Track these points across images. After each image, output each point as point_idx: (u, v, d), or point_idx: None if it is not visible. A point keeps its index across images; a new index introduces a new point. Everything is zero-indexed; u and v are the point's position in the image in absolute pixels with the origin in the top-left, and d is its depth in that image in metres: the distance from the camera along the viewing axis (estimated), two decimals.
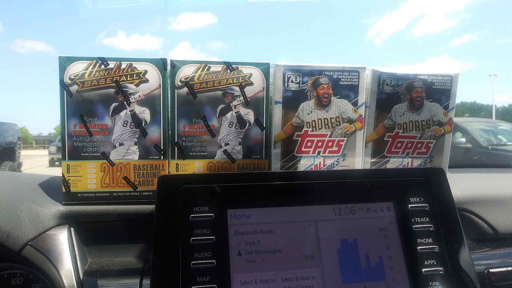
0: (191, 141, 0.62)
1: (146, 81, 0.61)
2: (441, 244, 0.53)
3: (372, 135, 0.68)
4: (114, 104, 0.60)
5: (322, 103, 0.64)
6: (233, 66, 0.62)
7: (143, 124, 0.61)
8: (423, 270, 0.51)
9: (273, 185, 0.53)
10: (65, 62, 0.59)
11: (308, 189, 0.54)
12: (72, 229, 0.59)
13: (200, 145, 0.62)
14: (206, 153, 0.63)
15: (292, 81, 0.63)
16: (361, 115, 0.66)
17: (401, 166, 0.69)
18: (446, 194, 0.57)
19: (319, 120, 0.64)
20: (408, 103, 0.68)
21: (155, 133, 0.62)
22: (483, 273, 0.62)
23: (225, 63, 0.62)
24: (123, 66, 0.60)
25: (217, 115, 0.62)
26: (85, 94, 0.59)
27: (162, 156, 0.62)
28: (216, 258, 0.48)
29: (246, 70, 0.62)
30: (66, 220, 0.59)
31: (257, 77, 0.63)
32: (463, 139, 4.59)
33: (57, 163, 10.31)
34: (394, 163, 0.69)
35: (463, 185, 0.75)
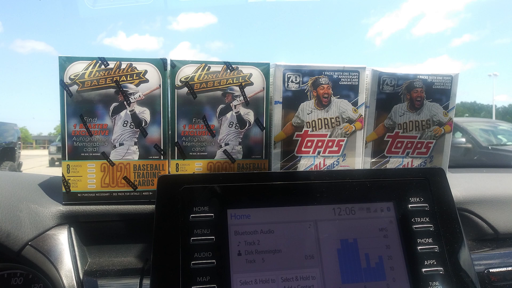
0: (191, 141, 0.62)
1: (146, 81, 0.61)
2: (441, 244, 0.53)
3: (372, 135, 0.68)
4: (114, 104, 0.60)
5: (322, 103, 0.64)
6: (233, 66, 0.62)
7: (143, 124, 0.61)
8: (423, 270, 0.51)
9: (273, 185, 0.53)
10: (65, 62, 0.59)
11: (308, 189, 0.54)
12: (72, 229, 0.59)
13: (200, 145, 0.62)
14: (206, 153, 0.63)
15: (292, 81, 0.63)
16: (361, 115, 0.66)
17: (401, 166, 0.69)
18: (446, 194, 0.57)
19: (319, 120, 0.64)
20: (408, 103, 0.68)
21: (155, 133, 0.62)
22: (483, 273, 0.62)
23: (225, 63, 0.62)
24: (123, 66, 0.60)
25: (217, 115, 0.62)
26: (85, 94, 0.59)
27: (162, 156, 0.62)
28: (216, 258, 0.48)
29: (246, 70, 0.62)
30: (66, 220, 0.59)
31: (257, 77, 0.63)
32: (463, 139, 4.58)
33: (57, 163, 10.31)
34: (394, 163, 0.69)
35: (463, 185, 0.75)
